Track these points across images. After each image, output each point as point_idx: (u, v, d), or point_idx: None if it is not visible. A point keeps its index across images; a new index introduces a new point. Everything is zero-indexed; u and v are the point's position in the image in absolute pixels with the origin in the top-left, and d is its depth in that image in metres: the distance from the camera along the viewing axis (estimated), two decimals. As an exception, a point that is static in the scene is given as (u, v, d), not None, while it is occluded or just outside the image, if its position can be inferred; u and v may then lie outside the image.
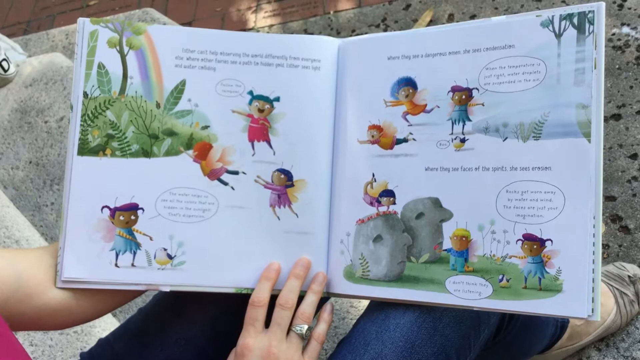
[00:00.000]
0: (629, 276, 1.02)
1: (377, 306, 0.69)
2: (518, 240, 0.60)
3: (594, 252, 0.57)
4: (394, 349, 0.64)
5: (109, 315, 1.21)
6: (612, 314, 0.99)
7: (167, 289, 0.67)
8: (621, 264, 1.05)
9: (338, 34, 2.01)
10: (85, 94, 0.67)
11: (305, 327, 0.64)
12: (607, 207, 1.33)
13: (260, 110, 0.68)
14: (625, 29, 1.60)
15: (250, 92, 0.68)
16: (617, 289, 1.00)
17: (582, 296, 0.57)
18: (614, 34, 1.61)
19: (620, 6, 1.64)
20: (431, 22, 1.88)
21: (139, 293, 0.71)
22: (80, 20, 0.68)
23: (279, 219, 0.68)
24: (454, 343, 0.66)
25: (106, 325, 1.15)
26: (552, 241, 0.59)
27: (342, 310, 1.13)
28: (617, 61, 1.56)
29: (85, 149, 0.67)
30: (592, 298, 0.56)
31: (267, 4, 2.24)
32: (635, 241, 1.30)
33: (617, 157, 1.42)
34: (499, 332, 0.74)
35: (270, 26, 2.16)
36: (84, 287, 0.66)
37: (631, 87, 1.51)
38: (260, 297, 0.64)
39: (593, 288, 0.56)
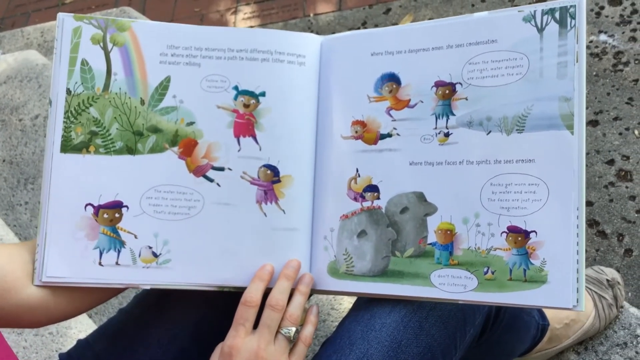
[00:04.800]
0: (608, 280, 1.03)
1: (363, 305, 0.69)
2: (502, 232, 0.61)
3: (577, 242, 0.57)
4: (380, 348, 0.64)
5: (85, 316, 1.20)
6: (590, 318, 0.99)
7: (148, 287, 0.67)
8: (600, 268, 1.06)
9: (318, 36, 2.01)
10: (68, 91, 0.67)
11: (294, 329, 0.63)
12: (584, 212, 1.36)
13: (246, 106, 0.68)
14: (603, 37, 1.64)
15: (236, 88, 0.68)
16: (595, 292, 1.01)
17: (567, 287, 0.57)
18: (591, 42, 1.64)
19: (598, 14, 1.68)
20: (410, 25, 1.89)
21: (118, 291, 0.70)
22: (60, 15, 0.68)
23: (265, 216, 0.67)
24: (440, 343, 0.66)
25: (82, 326, 1.14)
26: (536, 233, 0.59)
27: (323, 312, 1.13)
28: (595, 68, 1.59)
29: (68, 146, 0.66)
30: (577, 288, 0.57)
31: (246, 5, 2.24)
32: (612, 246, 1.32)
33: (594, 162, 1.44)
34: (483, 333, 0.75)
35: (250, 27, 2.16)
36: (65, 285, 0.65)
37: (608, 93, 1.54)
38: (253, 297, 0.63)
39: (577, 278, 0.57)
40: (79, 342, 0.77)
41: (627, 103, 1.50)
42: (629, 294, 1.26)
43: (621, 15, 1.65)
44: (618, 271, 1.21)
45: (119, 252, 0.66)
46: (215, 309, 0.74)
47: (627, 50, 1.59)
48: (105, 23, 0.68)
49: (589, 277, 1.04)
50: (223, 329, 0.63)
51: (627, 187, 1.38)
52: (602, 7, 1.69)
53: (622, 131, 1.47)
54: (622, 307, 1.04)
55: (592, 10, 1.69)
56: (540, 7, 0.61)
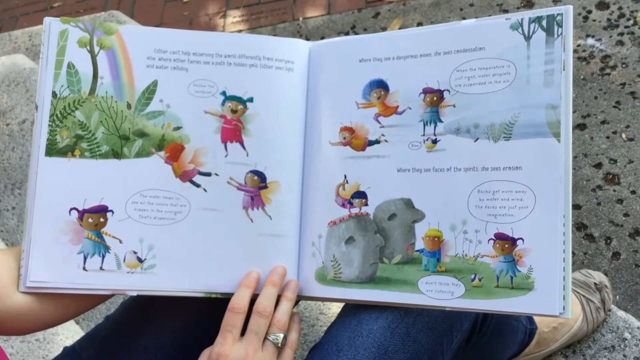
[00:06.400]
0: (595, 283, 1.03)
1: (350, 312, 0.69)
2: (490, 239, 0.61)
3: (564, 250, 0.58)
4: (367, 355, 0.64)
5: (72, 322, 1.19)
6: (578, 321, 1.00)
7: (134, 294, 0.66)
8: (587, 271, 1.07)
9: (307, 40, 2.02)
10: (54, 94, 0.66)
11: (281, 335, 0.63)
12: (572, 215, 1.37)
13: (234, 111, 0.68)
14: (590, 41, 1.65)
15: (223, 93, 0.68)
16: (583, 296, 1.02)
17: (554, 294, 0.57)
18: (579, 45, 1.65)
19: (585, 18, 1.69)
20: (399, 29, 1.90)
21: (106, 298, 0.70)
22: (47, 19, 0.67)
23: (252, 222, 0.67)
24: (427, 349, 0.66)
25: (69, 333, 1.13)
26: (523, 240, 0.59)
27: (312, 318, 1.13)
28: (582, 72, 1.60)
29: (53, 150, 0.66)
30: (564, 296, 0.57)
31: (235, 9, 2.23)
32: (600, 249, 1.33)
33: (582, 166, 1.45)
34: (470, 338, 0.75)
35: (239, 31, 2.16)
36: (50, 292, 0.65)
37: (596, 97, 1.55)
38: (241, 303, 0.63)
39: (564, 286, 0.57)
40: (66, 349, 0.76)
41: (614, 107, 1.51)
42: (617, 297, 1.26)
43: (608, 19, 1.67)
44: (606, 274, 1.22)
45: (103, 257, 0.66)
46: (203, 316, 0.74)
47: (614, 54, 1.60)
48: (92, 26, 0.68)
49: (576, 280, 1.05)
50: (210, 337, 0.63)
51: (614, 191, 1.39)
52: (589, 11, 1.70)
53: (610, 135, 1.48)
54: (609, 310, 1.05)
55: (579, 14, 1.70)
56: (527, 15, 0.61)
